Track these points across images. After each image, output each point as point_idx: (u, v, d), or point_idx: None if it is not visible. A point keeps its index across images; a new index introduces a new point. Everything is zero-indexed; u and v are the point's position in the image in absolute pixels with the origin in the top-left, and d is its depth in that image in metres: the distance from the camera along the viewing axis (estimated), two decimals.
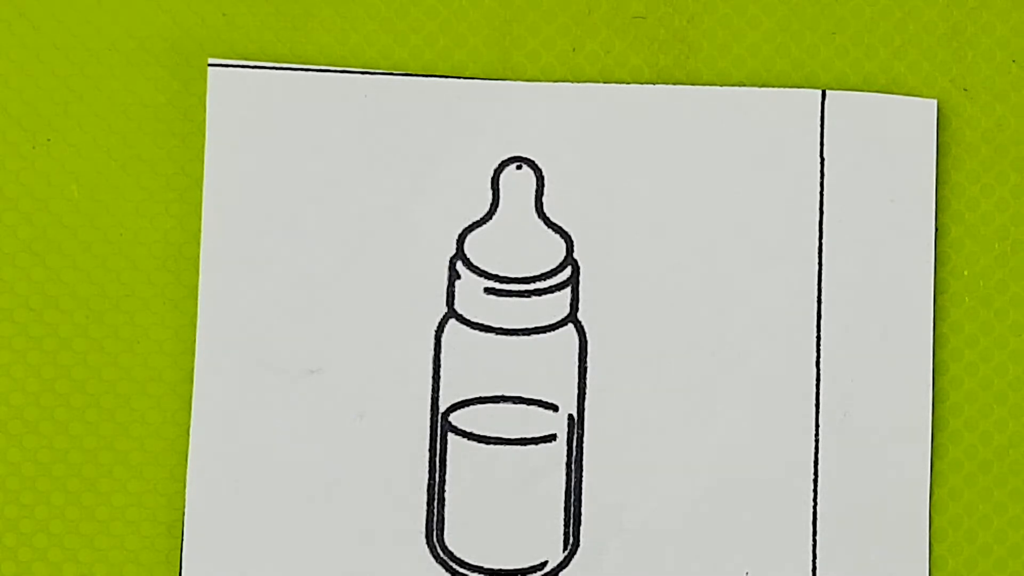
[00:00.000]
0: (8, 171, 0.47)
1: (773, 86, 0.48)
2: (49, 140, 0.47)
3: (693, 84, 0.48)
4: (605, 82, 0.48)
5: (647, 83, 0.48)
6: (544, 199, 0.47)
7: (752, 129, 0.48)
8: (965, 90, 0.48)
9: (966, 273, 0.48)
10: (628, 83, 0.48)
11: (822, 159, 0.48)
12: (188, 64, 0.47)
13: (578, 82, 0.48)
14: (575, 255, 0.47)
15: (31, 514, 0.47)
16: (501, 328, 0.47)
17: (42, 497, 0.47)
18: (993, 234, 0.48)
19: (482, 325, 0.47)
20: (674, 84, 0.48)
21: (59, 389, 0.47)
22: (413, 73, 0.48)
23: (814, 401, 0.47)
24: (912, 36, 0.48)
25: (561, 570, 0.47)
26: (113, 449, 0.47)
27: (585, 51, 0.48)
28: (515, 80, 0.48)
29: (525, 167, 0.47)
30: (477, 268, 0.47)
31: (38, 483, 0.47)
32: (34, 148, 0.47)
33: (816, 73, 0.48)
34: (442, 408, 0.47)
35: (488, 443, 0.47)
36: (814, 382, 0.47)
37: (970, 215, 0.48)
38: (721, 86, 0.48)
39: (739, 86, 0.48)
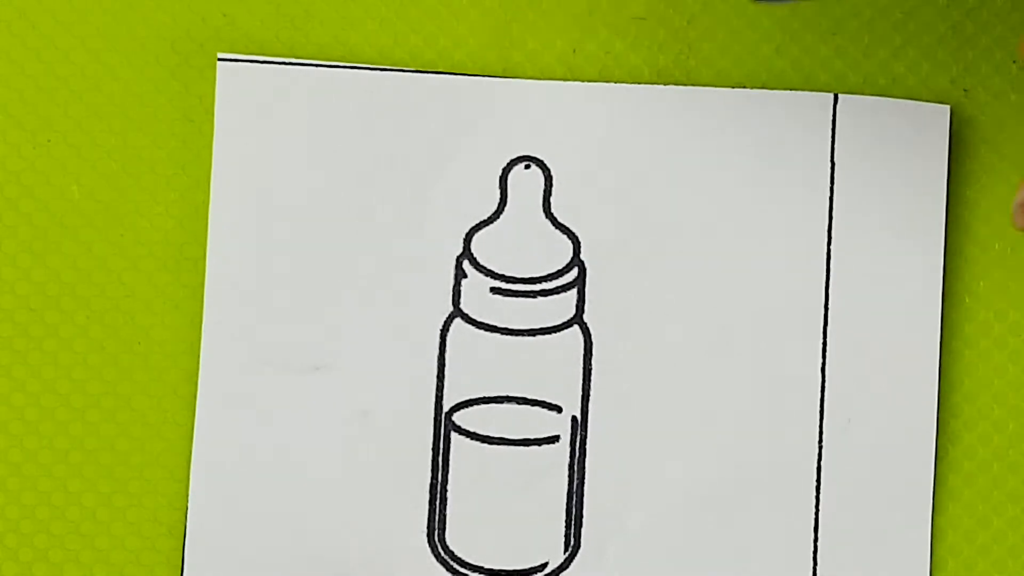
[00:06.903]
0: (8, 171, 0.47)
1: (773, 86, 0.48)
2: (49, 140, 0.47)
3: (693, 84, 0.48)
4: (605, 82, 0.48)
5: (647, 83, 0.48)
6: (552, 199, 0.47)
7: (763, 131, 0.47)
8: (965, 91, 0.48)
9: (966, 273, 0.48)
10: (628, 83, 0.48)
11: (832, 163, 0.47)
12: (188, 64, 0.47)
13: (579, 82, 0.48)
14: (582, 256, 0.47)
15: (32, 514, 0.47)
16: (506, 328, 0.47)
17: (43, 498, 0.47)
18: (993, 234, 0.48)
19: (488, 325, 0.47)
20: (674, 84, 0.48)
21: (60, 390, 0.47)
22: (423, 70, 0.48)
23: (819, 406, 0.47)
24: (912, 37, 0.49)
25: (562, 571, 0.47)
26: (114, 450, 0.47)
27: (585, 51, 0.48)
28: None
29: (533, 167, 0.47)
30: (484, 267, 0.47)
31: (39, 484, 0.47)
32: (34, 148, 0.47)
33: (816, 73, 0.48)
34: (446, 407, 0.47)
35: (491, 443, 0.47)
36: (819, 387, 0.47)
37: (970, 215, 0.48)
38: (721, 87, 0.48)
39: (739, 87, 0.48)
